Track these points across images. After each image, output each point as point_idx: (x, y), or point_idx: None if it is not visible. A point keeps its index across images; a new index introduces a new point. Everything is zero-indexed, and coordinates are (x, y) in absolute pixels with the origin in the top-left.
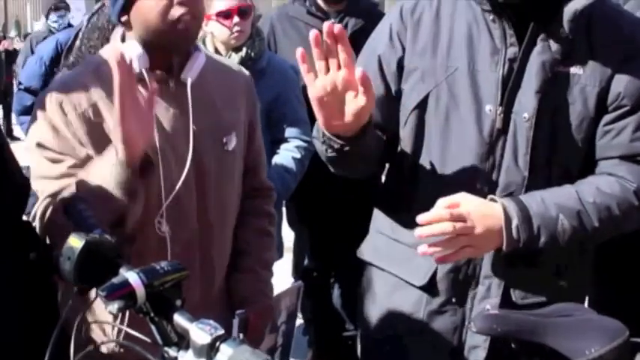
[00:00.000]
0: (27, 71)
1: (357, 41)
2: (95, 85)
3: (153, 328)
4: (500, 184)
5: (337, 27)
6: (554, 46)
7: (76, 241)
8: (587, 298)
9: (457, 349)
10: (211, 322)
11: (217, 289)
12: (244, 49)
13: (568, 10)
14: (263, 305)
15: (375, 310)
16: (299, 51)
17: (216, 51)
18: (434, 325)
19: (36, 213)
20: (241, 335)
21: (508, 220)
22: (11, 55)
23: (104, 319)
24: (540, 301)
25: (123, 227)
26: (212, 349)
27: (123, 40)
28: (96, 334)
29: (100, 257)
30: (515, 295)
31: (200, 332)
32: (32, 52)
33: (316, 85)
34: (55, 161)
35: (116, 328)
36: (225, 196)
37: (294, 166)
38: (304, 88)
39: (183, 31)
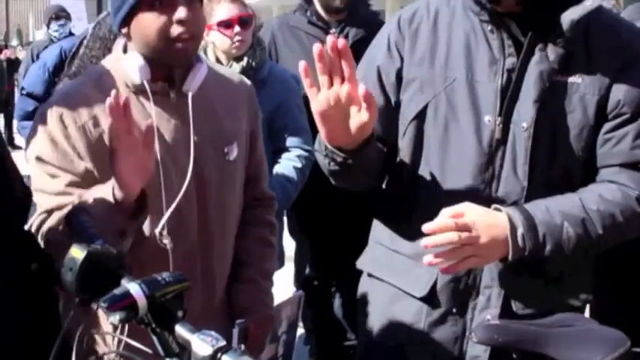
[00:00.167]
0: (30, 77)
1: (358, 51)
2: (96, 96)
3: (154, 339)
4: (499, 194)
5: (341, 42)
6: (552, 55)
7: (77, 252)
8: (588, 307)
9: (458, 359)
10: (213, 333)
11: (218, 299)
12: (245, 59)
13: (565, 20)
14: (263, 315)
15: (375, 321)
16: (302, 65)
17: (218, 60)
18: (435, 336)
19: (32, 225)
20: (242, 346)
21: (513, 228)
22: (13, 63)
23: (106, 330)
24: (540, 310)
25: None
26: None
27: (125, 50)
28: (97, 345)
29: (102, 268)
30: (516, 305)
31: (202, 343)
32: (33, 61)
33: (319, 99)
34: (53, 176)
35: (117, 339)
36: (226, 206)
37: (296, 176)
38: (305, 97)
39: (181, 50)
